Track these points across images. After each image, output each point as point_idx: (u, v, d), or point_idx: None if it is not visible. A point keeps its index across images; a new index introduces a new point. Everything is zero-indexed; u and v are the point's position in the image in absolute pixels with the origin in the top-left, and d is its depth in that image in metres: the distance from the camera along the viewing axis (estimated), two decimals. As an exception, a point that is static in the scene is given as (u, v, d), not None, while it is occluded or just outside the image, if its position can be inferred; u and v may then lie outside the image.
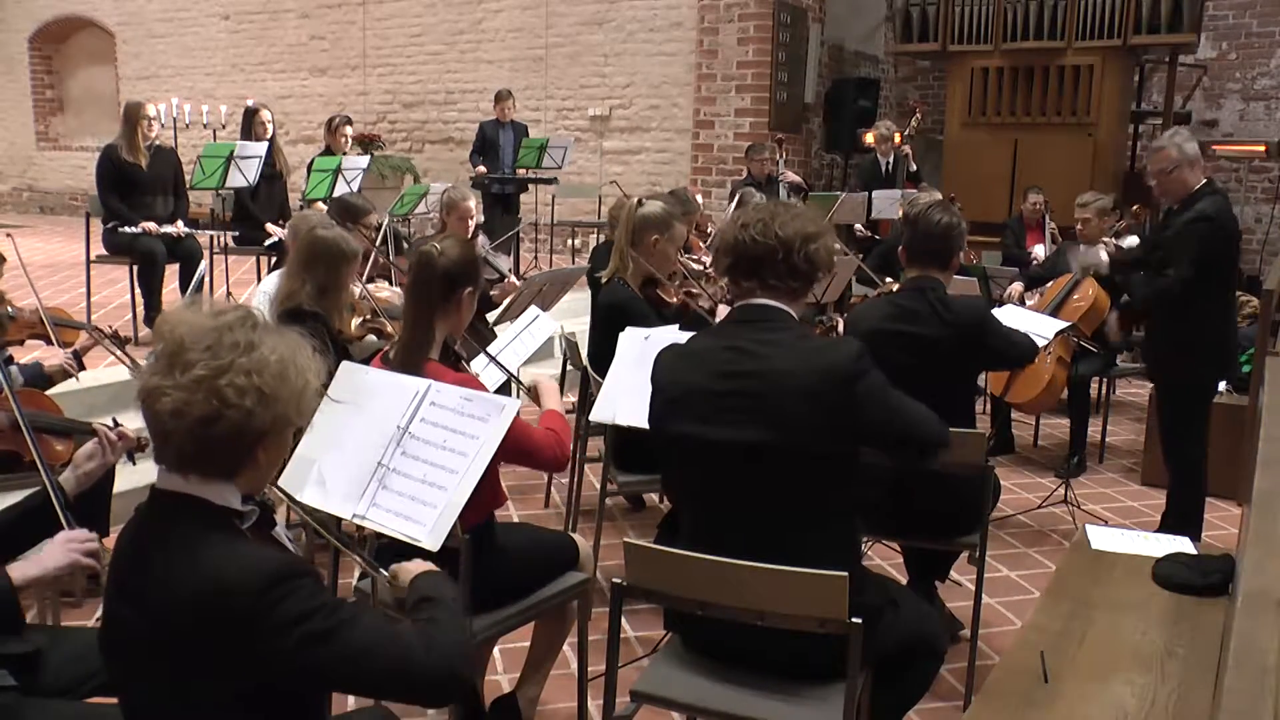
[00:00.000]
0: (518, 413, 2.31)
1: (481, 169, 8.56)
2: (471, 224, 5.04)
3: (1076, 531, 2.78)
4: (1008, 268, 6.33)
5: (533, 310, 4.13)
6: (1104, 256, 4.16)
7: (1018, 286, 5.66)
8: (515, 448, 2.37)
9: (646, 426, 2.37)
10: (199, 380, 1.42)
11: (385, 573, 1.81)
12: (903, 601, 2.30)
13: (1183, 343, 3.90)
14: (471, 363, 2.88)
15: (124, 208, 5.66)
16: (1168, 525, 4.13)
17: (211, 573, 1.41)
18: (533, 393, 2.71)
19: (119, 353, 3.37)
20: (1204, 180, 3.83)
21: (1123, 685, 1.92)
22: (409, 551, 2.24)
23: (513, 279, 5.04)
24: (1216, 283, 3.87)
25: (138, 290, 5.70)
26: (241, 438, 1.46)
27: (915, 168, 8.05)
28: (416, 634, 1.54)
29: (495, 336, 4.26)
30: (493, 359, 3.19)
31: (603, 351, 3.49)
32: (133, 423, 2.48)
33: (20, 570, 1.90)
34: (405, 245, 5.83)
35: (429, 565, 1.80)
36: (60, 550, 1.91)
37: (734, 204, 6.05)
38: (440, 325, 2.50)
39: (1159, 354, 4.12)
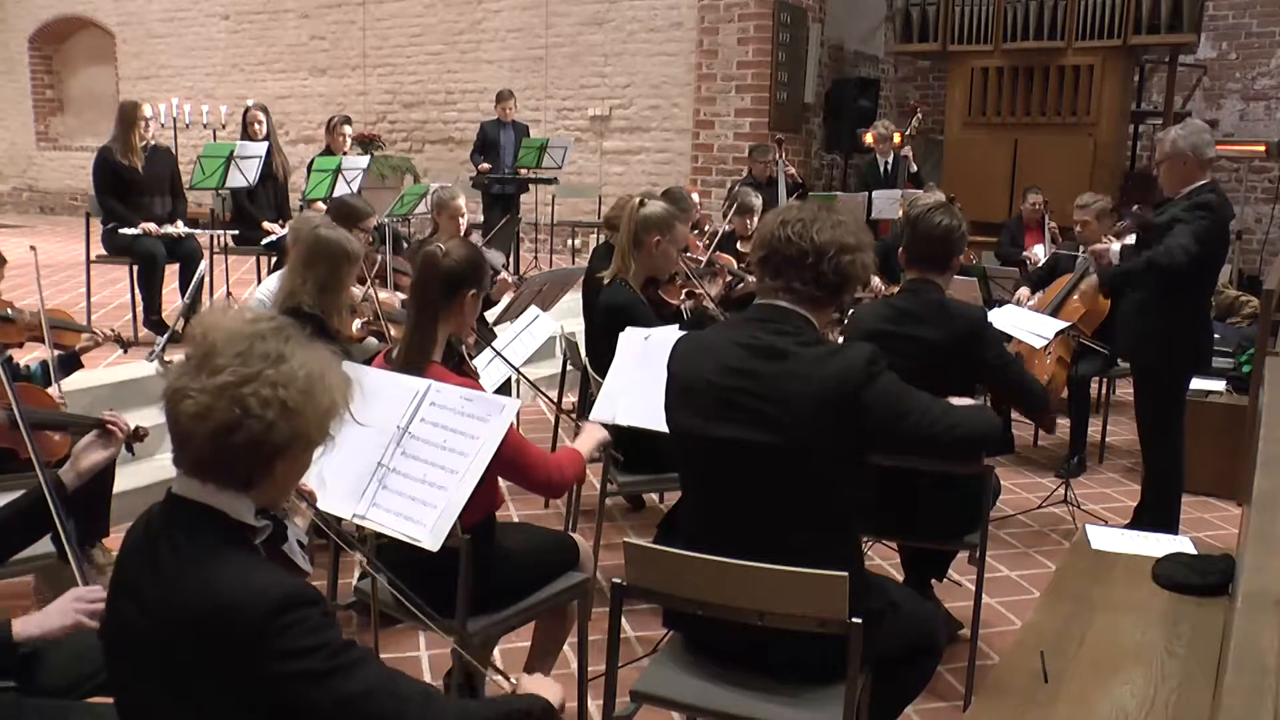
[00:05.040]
0: (517, 416, 2.31)
1: (485, 166, 8.57)
2: (463, 222, 5.03)
3: (1076, 531, 2.78)
4: (1007, 268, 6.33)
5: (533, 310, 4.13)
6: (1115, 248, 4.09)
7: (1024, 292, 5.66)
8: (509, 459, 2.37)
9: (646, 426, 2.37)
10: (224, 386, 1.41)
11: (514, 680, 1.76)
12: (902, 602, 2.30)
13: (1155, 332, 3.91)
14: (476, 359, 2.88)
15: (122, 209, 5.64)
16: (1141, 519, 4.15)
17: (218, 591, 1.39)
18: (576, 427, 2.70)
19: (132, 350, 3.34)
20: (1206, 179, 3.83)
21: (1123, 685, 1.93)
22: (414, 557, 2.24)
23: (506, 275, 5.04)
24: (1193, 277, 3.85)
25: (138, 291, 5.70)
26: (260, 449, 1.44)
27: (916, 168, 8.04)
28: (421, 694, 1.50)
29: (495, 336, 4.27)
30: (499, 353, 3.20)
31: (603, 351, 3.49)
32: (133, 421, 2.48)
33: (21, 626, 1.88)
34: (405, 245, 5.83)
35: (551, 691, 1.72)
36: (66, 609, 1.89)
37: (731, 205, 6.04)
38: (443, 327, 2.50)
39: (1130, 340, 4.14)
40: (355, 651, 1.46)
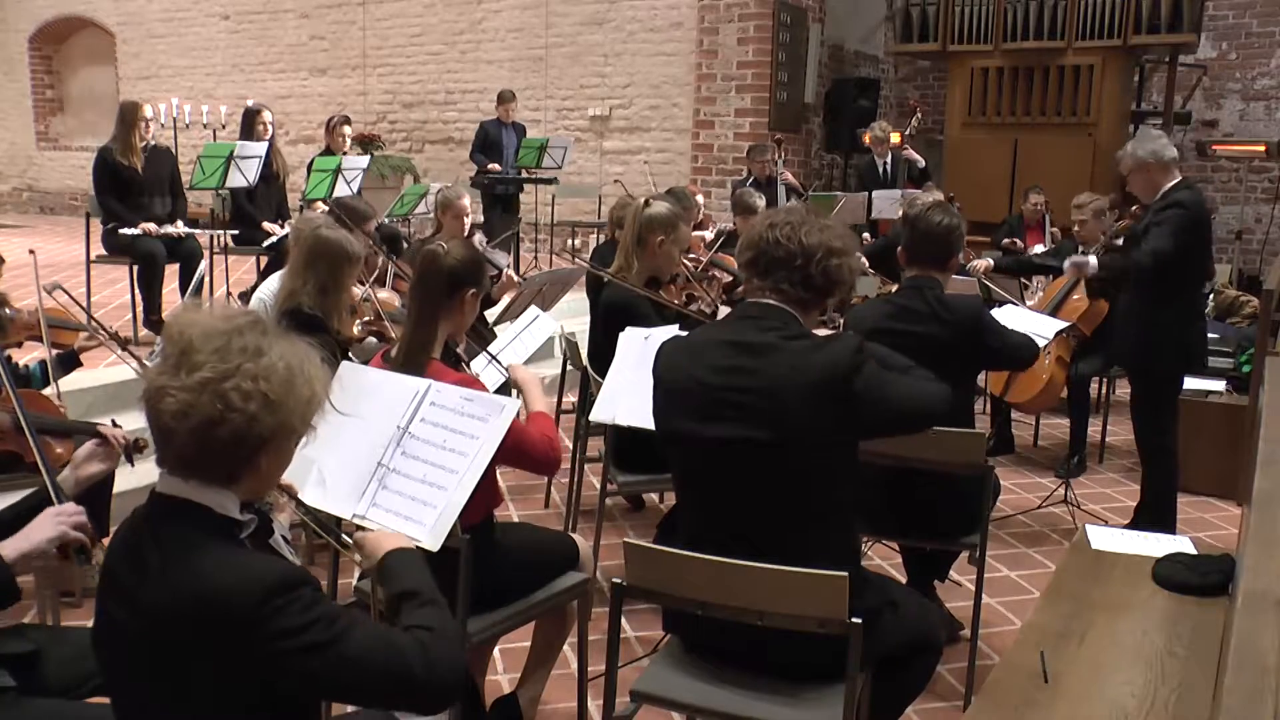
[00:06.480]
0: (517, 412, 2.31)
1: (495, 166, 8.57)
2: (467, 222, 5.04)
3: (1076, 531, 2.77)
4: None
5: (533, 310, 4.13)
6: (1093, 261, 4.21)
7: (985, 262, 5.64)
8: (513, 448, 2.37)
9: (647, 426, 2.37)
10: (204, 382, 1.42)
11: (350, 540, 1.80)
12: (901, 601, 2.30)
13: (1145, 333, 3.94)
14: (472, 362, 2.88)
15: (122, 209, 5.65)
16: (1141, 518, 4.16)
17: (211, 580, 1.40)
18: (515, 386, 2.69)
19: (120, 351, 3.36)
20: (1177, 179, 3.89)
21: (1123, 685, 1.92)
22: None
23: (511, 273, 5.05)
24: (1181, 275, 3.90)
25: (138, 291, 5.70)
26: (243, 443, 1.45)
27: (924, 163, 8.05)
28: (413, 641, 1.53)
29: (495, 336, 4.27)
30: (493, 358, 3.19)
31: (603, 351, 3.49)
32: (131, 423, 2.48)
33: (11, 545, 1.89)
34: (405, 245, 5.83)
35: (397, 538, 1.76)
36: (49, 523, 1.91)
37: (731, 205, 6.08)
38: (443, 325, 2.50)
39: (1124, 342, 4.16)
40: (350, 616, 1.48)
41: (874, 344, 2.38)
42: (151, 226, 5.61)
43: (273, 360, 1.46)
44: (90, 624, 1.61)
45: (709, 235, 6.01)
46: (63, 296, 3.50)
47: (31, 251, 3.74)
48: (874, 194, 7.39)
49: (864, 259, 5.77)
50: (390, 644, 1.49)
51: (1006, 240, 7.39)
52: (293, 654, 1.41)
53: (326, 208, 5.56)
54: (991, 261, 5.66)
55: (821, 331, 2.31)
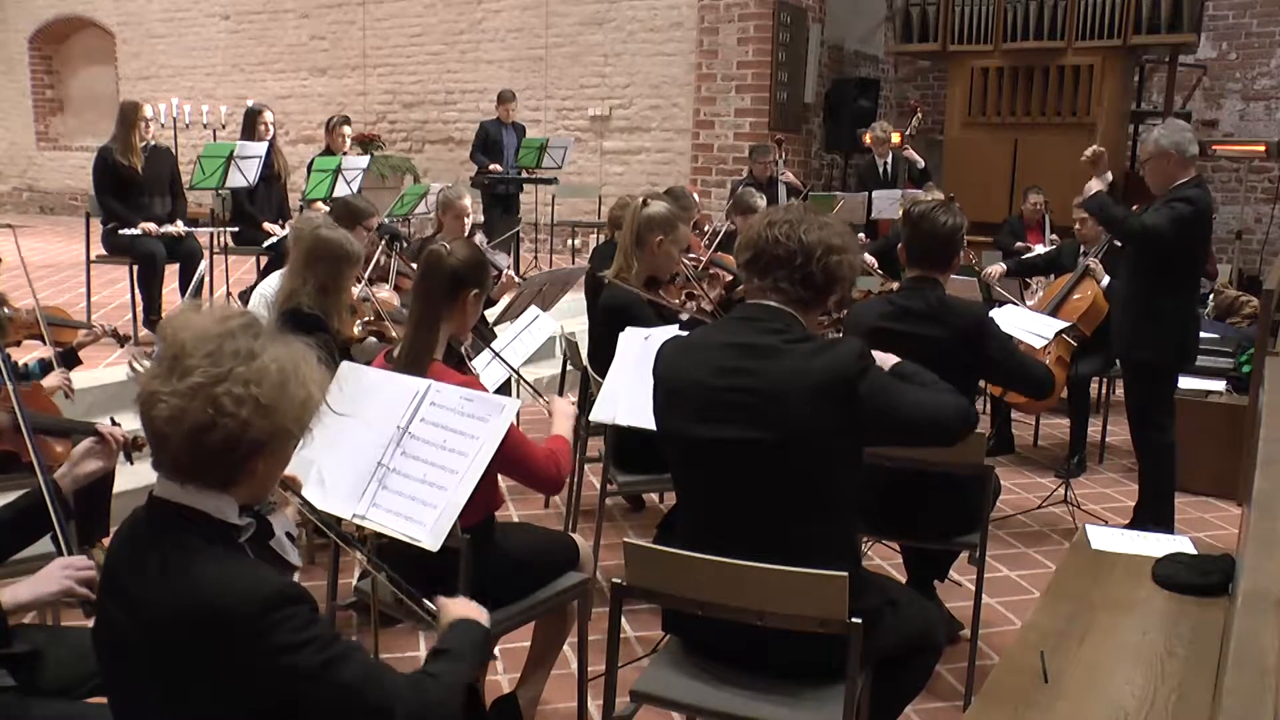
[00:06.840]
0: (518, 416, 2.31)
1: (495, 166, 8.57)
2: (468, 222, 5.05)
3: (1076, 531, 2.77)
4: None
5: (533, 310, 4.12)
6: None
7: (999, 268, 5.65)
8: (512, 457, 2.37)
9: (647, 427, 2.36)
10: (196, 388, 1.40)
11: (433, 605, 1.80)
12: (901, 601, 2.30)
13: (1142, 326, 3.96)
14: (474, 360, 2.88)
15: (122, 209, 5.65)
16: (1141, 517, 4.16)
17: (209, 588, 1.40)
18: (548, 408, 2.69)
19: (126, 349, 3.35)
20: (1192, 176, 3.87)
21: (1123, 685, 1.92)
22: (414, 556, 2.24)
23: (510, 273, 5.05)
24: (1181, 269, 3.92)
25: (138, 291, 5.70)
26: (237, 448, 1.44)
27: (924, 163, 8.05)
28: (409, 682, 1.52)
29: (495, 336, 4.26)
30: (497, 354, 3.20)
31: (603, 351, 3.49)
32: (131, 423, 2.48)
33: (11, 593, 1.89)
34: (404, 245, 5.82)
35: (472, 610, 1.77)
36: (56, 576, 1.90)
37: (730, 204, 6.06)
38: (445, 325, 2.50)
39: (1121, 335, 4.17)
40: (344, 644, 1.48)
41: (907, 362, 2.37)
42: (151, 226, 5.61)
43: (265, 363, 1.44)
44: (90, 623, 1.61)
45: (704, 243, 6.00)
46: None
47: (10, 226, 3.71)
48: (874, 194, 7.39)
49: (871, 258, 5.79)
50: (382, 677, 1.50)
51: (1020, 244, 7.38)
52: (284, 672, 1.40)
53: (328, 208, 5.56)
54: (1005, 267, 5.66)
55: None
